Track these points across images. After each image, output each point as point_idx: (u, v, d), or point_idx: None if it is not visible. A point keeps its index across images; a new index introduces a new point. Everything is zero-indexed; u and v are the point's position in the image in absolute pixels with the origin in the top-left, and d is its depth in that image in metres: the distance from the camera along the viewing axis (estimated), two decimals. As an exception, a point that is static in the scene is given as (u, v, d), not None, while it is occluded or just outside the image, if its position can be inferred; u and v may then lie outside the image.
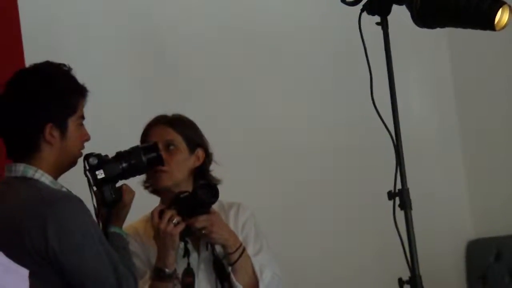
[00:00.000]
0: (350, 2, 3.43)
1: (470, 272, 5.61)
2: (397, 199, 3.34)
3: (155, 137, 3.52)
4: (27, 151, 3.01)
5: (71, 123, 3.05)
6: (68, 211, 2.94)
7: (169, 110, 3.74)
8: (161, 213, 3.37)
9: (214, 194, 3.43)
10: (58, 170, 3.08)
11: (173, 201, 3.42)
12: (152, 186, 3.56)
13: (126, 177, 3.19)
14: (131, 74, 4.77)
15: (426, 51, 5.63)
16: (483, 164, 5.67)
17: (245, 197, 4.78)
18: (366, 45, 3.34)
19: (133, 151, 3.21)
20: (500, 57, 5.61)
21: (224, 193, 3.61)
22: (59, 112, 3.03)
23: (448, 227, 5.58)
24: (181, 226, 3.37)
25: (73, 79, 3.10)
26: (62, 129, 3.02)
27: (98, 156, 3.12)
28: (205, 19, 4.99)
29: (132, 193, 3.20)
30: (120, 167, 3.15)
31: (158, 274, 3.35)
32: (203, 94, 4.93)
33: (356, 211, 5.22)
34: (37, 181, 2.99)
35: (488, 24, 3.30)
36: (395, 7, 3.40)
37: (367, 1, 3.40)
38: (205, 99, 4.93)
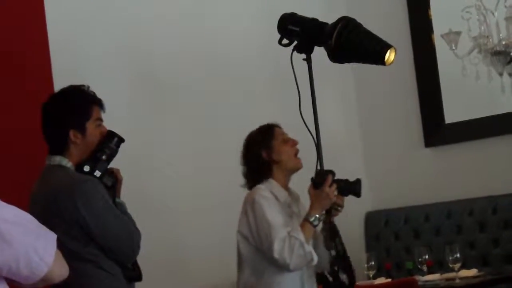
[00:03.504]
0: (285, 44, 3.50)
1: (368, 233, 5.63)
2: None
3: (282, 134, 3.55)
4: (60, 148, 3.02)
5: (89, 125, 3.03)
6: (91, 188, 2.94)
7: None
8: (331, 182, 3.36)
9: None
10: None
11: (335, 179, 3.40)
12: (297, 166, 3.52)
13: (109, 163, 3.08)
14: (128, 88, 4.72)
15: (337, 78, 5.63)
16: (376, 159, 5.70)
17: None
18: (297, 74, 3.36)
19: (102, 146, 3.05)
20: (387, 83, 5.68)
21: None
22: (78, 119, 3.03)
23: (353, 202, 5.58)
24: (336, 197, 3.39)
25: (87, 94, 3.07)
26: (82, 131, 3.01)
27: (86, 163, 3.02)
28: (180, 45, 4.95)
29: (118, 170, 3.14)
30: (104, 160, 3.05)
31: (313, 219, 3.33)
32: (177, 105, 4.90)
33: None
34: (68, 168, 3.00)
35: (380, 61, 3.34)
36: (317, 48, 3.44)
37: (296, 44, 3.43)
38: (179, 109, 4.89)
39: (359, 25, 3.42)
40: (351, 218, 5.55)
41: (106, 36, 4.62)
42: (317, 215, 3.34)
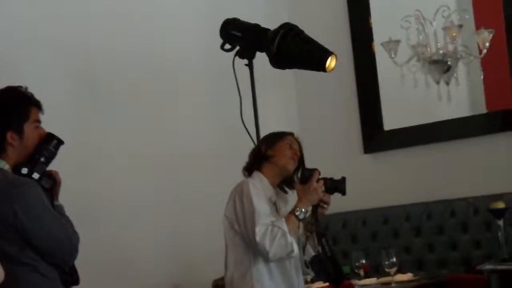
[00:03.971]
0: (227, 49, 3.53)
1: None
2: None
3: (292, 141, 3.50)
4: None
5: (27, 127, 2.96)
6: (29, 191, 2.88)
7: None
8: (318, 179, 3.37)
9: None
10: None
11: (322, 177, 3.41)
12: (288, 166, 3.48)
13: (48, 166, 3.02)
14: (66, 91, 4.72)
15: (279, 83, 5.68)
16: (316, 165, 5.73)
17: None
18: (239, 78, 3.39)
19: (40, 148, 2.99)
20: (327, 89, 5.74)
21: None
22: (15, 121, 2.96)
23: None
24: (323, 194, 3.39)
25: (24, 95, 3.01)
26: (20, 133, 2.95)
27: (24, 165, 2.97)
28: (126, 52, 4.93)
29: (57, 173, 3.09)
30: (42, 162, 2.99)
31: (299, 213, 3.32)
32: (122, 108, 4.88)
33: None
34: (5, 170, 2.93)
35: (321, 67, 3.40)
36: (259, 53, 3.48)
37: (238, 49, 3.47)
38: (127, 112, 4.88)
39: (300, 32, 3.47)
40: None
41: (44, 36, 4.55)
42: (303, 209, 3.34)
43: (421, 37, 5.06)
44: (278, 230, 3.25)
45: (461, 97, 5.28)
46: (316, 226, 3.41)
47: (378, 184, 5.54)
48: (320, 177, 3.41)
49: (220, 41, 3.52)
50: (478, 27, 5.01)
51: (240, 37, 3.47)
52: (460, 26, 4.98)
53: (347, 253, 5.33)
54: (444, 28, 5.01)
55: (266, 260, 3.30)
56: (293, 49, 3.41)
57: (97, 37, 4.80)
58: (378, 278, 4.78)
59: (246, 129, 3.37)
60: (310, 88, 5.81)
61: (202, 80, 5.32)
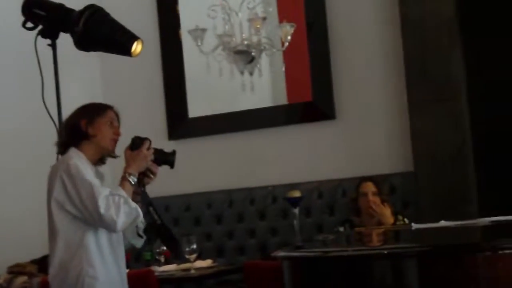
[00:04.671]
0: (29, 28, 3.44)
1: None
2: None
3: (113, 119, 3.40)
4: None
5: None
6: None
7: None
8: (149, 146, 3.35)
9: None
10: None
11: (153, 147, 3.37)
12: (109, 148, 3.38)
13: None
14: None
15: (84, 65, 5.62)
16: (120, 151, 5.77)
17: None
18: (42, 59, 3.32)
19: None
20: (133, 74, 5.74)
21: None
22: None
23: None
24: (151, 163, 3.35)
25: None
26: None
27: None
28: None
29: None
30: None
31: (131, 178, 3.27)
32: None
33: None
34: None
35: (126, 52, 3.40)
36: (65, 34, 3.42)
37: (41, 28, 3.38)
38: None
39: (106, 14, 3.45)
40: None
41: None
42: (132, 174, 3.30)
43: (227, 27, 5.17)
44: (119, 198, 3.20)
45: (263, 88, 5.47)
46: (143, 195, 3.39)
47: (181, 171, 5.57)
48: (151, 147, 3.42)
49: (22, 18, 3.42)
50: (281, 21, 5.19)
51: (44, 16, 3.39)
52: (264, 18, 5.13)
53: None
54: (249, 20, 5.14)
55: (113, 230, 3.23)
56: (98, 31, 3.38)
57: None
58: (178, 264, 4.85)
59: (48, 112, 3.31)
60: (116, 72, 5.78)
61: (3, 58, 5.14)
